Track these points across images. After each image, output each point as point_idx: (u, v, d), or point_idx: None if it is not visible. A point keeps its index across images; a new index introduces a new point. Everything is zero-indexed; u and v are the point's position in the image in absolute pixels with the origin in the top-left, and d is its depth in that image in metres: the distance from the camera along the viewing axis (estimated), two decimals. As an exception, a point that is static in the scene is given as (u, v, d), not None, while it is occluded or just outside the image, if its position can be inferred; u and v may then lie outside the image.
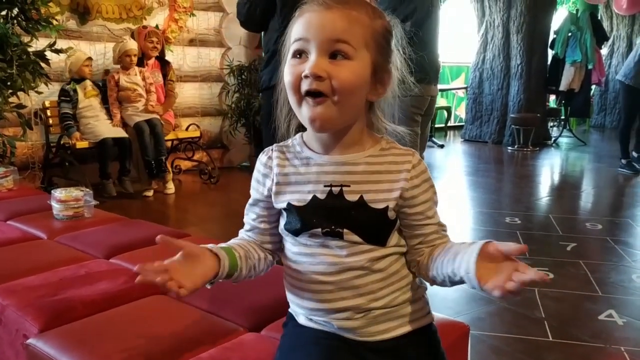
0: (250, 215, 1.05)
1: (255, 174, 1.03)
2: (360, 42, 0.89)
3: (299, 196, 0.96)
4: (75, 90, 4.30)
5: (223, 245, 1.00)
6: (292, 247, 0.99)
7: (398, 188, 0.94)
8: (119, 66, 4.48)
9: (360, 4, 0.91)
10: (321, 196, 0.94)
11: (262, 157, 1.03)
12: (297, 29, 0.91)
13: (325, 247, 0.95)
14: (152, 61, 4.70)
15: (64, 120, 4.24)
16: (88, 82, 4.37)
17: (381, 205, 0.93)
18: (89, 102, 4.34)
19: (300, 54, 0.90)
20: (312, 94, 0.88)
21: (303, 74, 0.88)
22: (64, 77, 4.45)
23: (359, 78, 0.89)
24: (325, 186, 0.94)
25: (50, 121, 4.38)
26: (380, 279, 0.95)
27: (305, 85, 0.88)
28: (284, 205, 0.97)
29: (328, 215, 0.94)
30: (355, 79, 0.89)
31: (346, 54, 0.88)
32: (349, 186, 0.94)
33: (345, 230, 0.93)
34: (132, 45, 4.47)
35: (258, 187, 1.02)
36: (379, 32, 0.92)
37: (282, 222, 1.00)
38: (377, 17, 0.92)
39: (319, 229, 0.94)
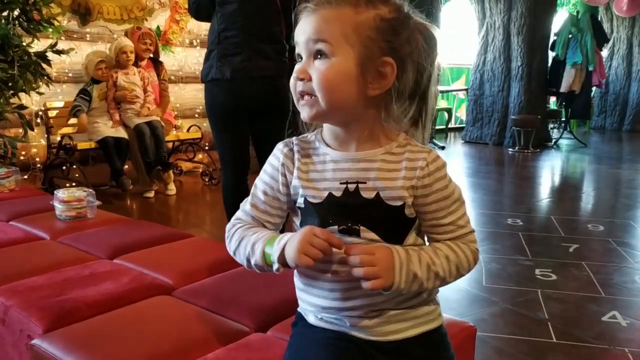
0: (254, 204, 1.02)
1: (274, 162, 1.01)
2: (339, 38, 0.89)
3: (315, 193, 0.95)
4: (92, 91, 4.36)
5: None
6: None
7: (411, 186, 0.93)
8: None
9: (346, 1, 0.90)
10: (337, 193, 0.94)
11: (283, 148, 1.01)
12: (295, 35, 0.95)
13: None
14: (144, 62, 4.69)
15: (74, 108, 4.28)
16: (105, 84, 4.41)
17: (398, 202, 0.93)
18: (99, 104, 4.38)
19: (300, 57, 0.94)
20: (302, 94, 0.93)
21: (294, 77, 0.94)
22: (82, 78, 4.53)
23: (337, 74, 0.90)
24: (341, 183, 0.94)
25: (52, 122, 4.38)
26: None
27: (297, 87, 0.93)
28: (301, 200, 0.97)
29: (344, 213, 0.93)
30: (333, 76, 0.90)
31: (324, 52, 0.90)
32: (365, 183, 0.93)
33: (362, 228, 0.93)
34: (127, 42, 4.46)
35: (276, 175, 1.00)
36: (365, 24, 0.89)
37: (297, 220, 1.00)
38: (368, 9, 0.90)
39: (336, 227, 0.94)
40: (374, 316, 0.95)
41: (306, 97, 0.92)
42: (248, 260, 0.97)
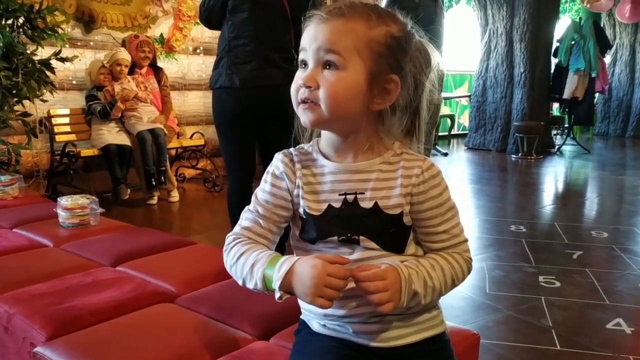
0: (254, 216, 1.00)
1: (274, 171, 1.00)
2: (352, 51, 0.89)
3: (315, 205, 0.96)
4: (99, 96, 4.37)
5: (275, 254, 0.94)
6: (308, 255, 0.97)
7: (407, 193, 0.94)
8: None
9: (359, 14, 0.91)
10: (336, 205, 0.95)
11: (283, 158, 1.01)
12: (301, 40, 0.94)
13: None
14: (144, 70, 4.68)
15: (95, 107, 4.29)
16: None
17: (397, 211, 0.94)
18: None
19: (304, 64, 0.94)
20: (305, 101, 0.93)
21: (299, 84, 0.93)
22: (86, 86, 4.55)
23: (347, 87, 0.90)
24: (340, 195, 0.95)
25: (55, 129, 4.39)
26: None
27: (300, 94, 0.93)
28: (301, 211, 0.97)
29: (344, 224, 0.94)
30: (342, 89, 0.90)
31: (336, 63, 0.90)
32: (363, 193, 0.95)
33: (361, 237, 0.94)
34: (124, 55, 4.46)
35: (279, 183, 0.99)
36: (377, 40, 0.90)
37: (297, 231, 1.00)
38: (380, 25, 0.91)
39: (335, 237, 0.95)
40: (375, 322, 0.96)
41: (308, 103, 0.92)
42: (244, 281, 0.94)
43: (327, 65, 0.90)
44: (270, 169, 1.02)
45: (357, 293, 0.92)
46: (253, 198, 1.03)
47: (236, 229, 1.02)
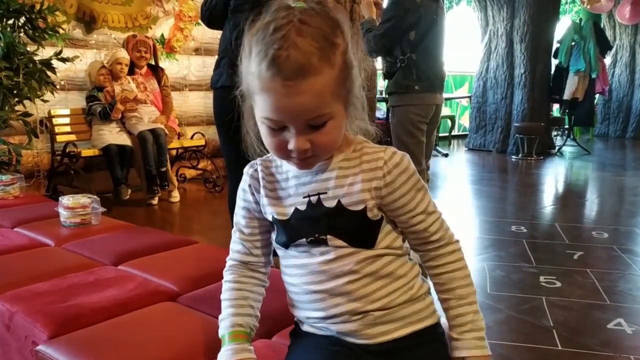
0: (241, 233, 1.07)
1: (243, 185, 1.04)
2: (332, 101, 0.86)
3: (282, 210, 0.98)
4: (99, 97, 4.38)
5: (241, 329, 1.03)
6: (284, 260, 1.02)
7: (373, 187, 0.94)
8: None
9: (316, 57, 0.82)
10: (302, 207, 0.97)
11: (248, 169, 1.05)
12: (263, 107, 0.87)
13: (312, 257, 0.97)
14: (143, 70, 4.68)
15: (95, 108, 4.30)
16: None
17: (359, 207, 0.94)
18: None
19: (279, 125, 0.87)
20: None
21: (288, 147, 0.88)
22: (86, 86, 4.56)
23: (339, 130, 0.91)
24: (304, 197, 0.96)
25: (56, 129, 4.39)
26: (371, 281, 0.96)
27: (293, 155, 0.89)
28: (270, 218, 1.00)
29: (310, 225, 0.96)
30: (336, 134, 0.91)
31: (325, 120, 0.87)
32: (325, 193, 0.95)
33: (328, 237, 0.95)
34: (124, 54, 4.48)
35: (247, 197, 1.04)
36: (341, 72, 0.86)
37: (273, 234, 1.03)
38: (334, 52, 0.85)
39: (304, 239, 0.96)
40: (357, 319, 0.95)
41: (307, 158, 0.90)
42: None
43: (317, 124, 0.86)
44: (241, 182, 1.05)
45: (335, 292, 0.95)
46: (235, 213, 1.07)
47: (230, 254, 1.09)
